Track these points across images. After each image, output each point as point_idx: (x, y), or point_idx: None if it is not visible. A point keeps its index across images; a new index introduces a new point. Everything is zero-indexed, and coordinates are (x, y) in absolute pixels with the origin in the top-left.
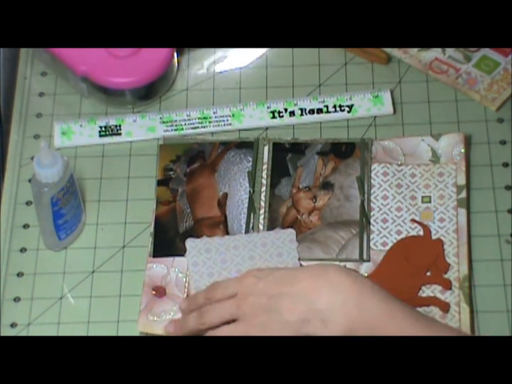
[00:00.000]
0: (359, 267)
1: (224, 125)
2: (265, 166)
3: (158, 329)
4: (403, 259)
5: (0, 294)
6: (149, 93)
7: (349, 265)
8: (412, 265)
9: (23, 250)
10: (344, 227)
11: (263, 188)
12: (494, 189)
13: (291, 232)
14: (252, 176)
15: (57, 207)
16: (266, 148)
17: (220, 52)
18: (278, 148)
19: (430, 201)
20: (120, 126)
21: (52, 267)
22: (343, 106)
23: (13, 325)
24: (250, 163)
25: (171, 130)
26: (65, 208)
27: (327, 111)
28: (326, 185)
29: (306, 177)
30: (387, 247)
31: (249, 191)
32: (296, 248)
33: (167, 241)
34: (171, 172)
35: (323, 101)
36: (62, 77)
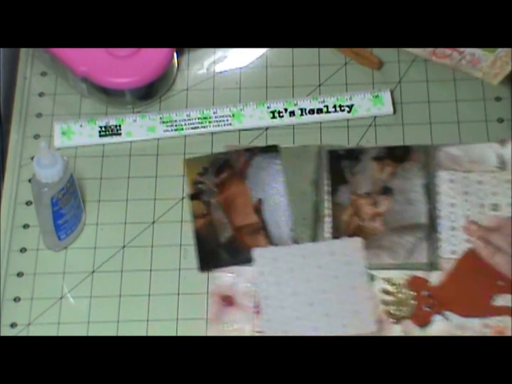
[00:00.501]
0: (428, 275)
1: (224, 125)
2: (325, 174)
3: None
4: (474, 268)
5: (0, 294)
6: (149, 93)
7: (418, 273)
8: (483, 274)
9: (23, 250)
10: (409, 232)
11: (325, 196)
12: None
13: (357, 240)
14: (316, 184)
15: (57, 207)
16: (320, 156)
17: (220, 52)
18: (333, 156)
19: (498, 209)
20: (120, 126)
21: (52, 267)
22: (343, 106)
23: (13, 325)
24: (280, 167)
25: (171, 130)
26: (65, 208)
27: (327, 111)
28: (386, 190)
29: (364, 183)
30: (456, 256)
31: (313, 200)
32: (363, 255)
33: (210, 253)
34: (201, 185)
35: (323, 101)
36: (62, 77)
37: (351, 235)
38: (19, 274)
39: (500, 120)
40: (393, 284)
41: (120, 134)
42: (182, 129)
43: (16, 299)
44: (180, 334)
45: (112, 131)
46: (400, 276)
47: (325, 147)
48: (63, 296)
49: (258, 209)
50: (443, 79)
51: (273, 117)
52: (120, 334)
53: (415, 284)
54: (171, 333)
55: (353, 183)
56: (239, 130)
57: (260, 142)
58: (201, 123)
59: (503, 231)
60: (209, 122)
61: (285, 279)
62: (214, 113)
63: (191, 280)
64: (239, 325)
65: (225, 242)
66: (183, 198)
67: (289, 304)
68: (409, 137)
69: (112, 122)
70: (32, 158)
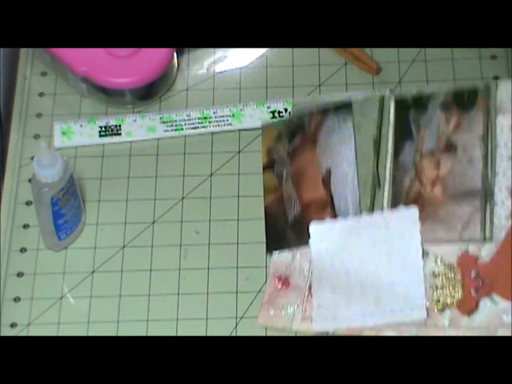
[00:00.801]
0: (480, 249)
1: (224, 125)
2: (391, 128)
3: (279, 324)
4: None
5: (0, 294)
6: (149, 93)
7: (471, 247)
8: None
9: (23, 250)
10: (467, 200)
11: (388, 155)
12: None
13: (414, 212)
14: (377, 144)
15: (57, 207)
16: (392, 106)
17: (220, 52)
18: (401, 106)
19: None
20: (120, 126)
21: (52, 267)
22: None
23: (13, 325)
24: (351, 130)
25: (171, 130)
26: (65, 208)
27: None
28: (450, 147)
29: (429, 138)
30: (511, 221)
31: (373, 163)
32: (419, 229)
33: (278, 234)
34: (275, 155)
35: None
36: (62, 77)
37: (409, 203)
38: (19, 274)
39: None
40: (443, 265)
41: (120, 134)
42: (182, 129)
43: (16, 299)
44: (180, 334)
45: (112, 131)
46: (452, 252)
47: (391, 95)
48: (63, 296)
49: (326, 181)
50: (443, 79)
51: (273, 117)
52: (120, 334)
53: (464, 262)
54: (171, 333)
55: (418, 138)
56: (239, 130)
57: (260, 144)
58: (201, 123)
59: None
60: (209, 122)
61: (339, 258)
62: (214, 113)
63: (191, 280)
64: (291, 308)
65: (293, 221)
66: (183, 198)
67: (341, 286)
68: None
69: (112, 122)
70: (32, 158)
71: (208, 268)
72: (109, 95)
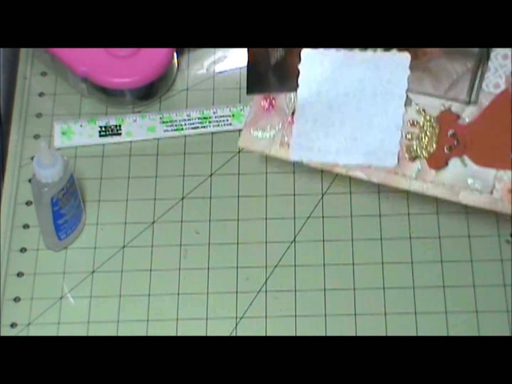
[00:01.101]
0: (464, 109)
1: (224, 125)
2: None
3: (258, 146)
4: (508, 109)
5: (0, 294)
6: (149, 93)
7: (454, 106)
8: None
9: (23, 250)
10: (461, 59)
11: None
12: None
13: (406, 57)
14: None
15: (57, 207)
16: None
17: (220, 52)
18: None
19: None
20: (120, 126)
21: (52, 267)
22: None
23: (13, 325)
24: None
25: (171, 130)
26: (65, 208)
27: None
28: None
29: None
30: (499, 90)
31: None
32: (408, 77)
33: (259, 77)
34: None
35: None
36: (62, 77)
37: (403, 50)
38: (19, 274)
39: None
40: (424, 116)
41: (120, 134)
42: (182, 129)
43: (16, 299)
44: (180, 334)
45: (112, 131)
46: (435, 106)
47: None
48: (63, 296)
49: None
50: None
51: None
52: (120, 334)
53: (445, 119)
54: (171, 333)
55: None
56: (239, 130)
57: None
58: (201, 123)
59: None
60: (209, 122)
61: (326, 88)
62: (214, 113)
63: (191, 280)
64: (272, 132)
65: (275, 64)
66: (183, 198)
67: (322, 118)
68: None
69: (112, 122)
70: (32, 158)
71: (208, 268)
72: (109, 95)
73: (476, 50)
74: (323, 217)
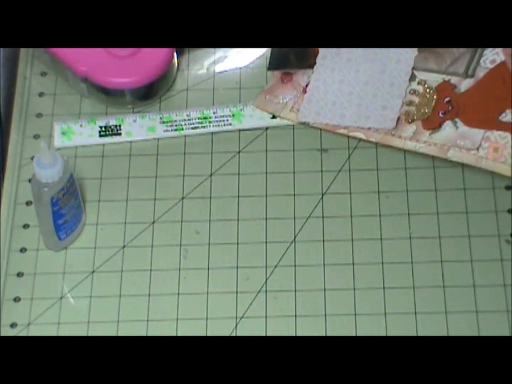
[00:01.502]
0: (461, 82)
1: (224, 125)
2: None
3: (270, 109)
4: (500, 80)
5: (0, 294)
6: (149, 93)
7: (453, 79)
8: (506, 87)
9: (23, 250)
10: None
11: None
12: (494, 189)
13: (412, 52)
14: None
15: (57, 207)
16: None
17: (220, 52)
18: None
19: None
20: (120, 126)
21: (52, 267)
22: None
23: (13, 325)
24: None
25: (171, 130)
26: (65, 208)
27: None
28: None
29: None
30: (494, 65)
31: None
32: (415, 57)
33: (281, 54)
34: None
35: None
36: (62, 77)
37: None
38: (19, 274)
39: None
40: (424, 86)
41: (120, 134)
42: (182, 129)
43: (16, 299)
44: (180, 334)
45: (112, 131)
46: (435, 79)
47: None
48: (63, 296)
49: None
50: None
51: (273, 117)
52: (120, 334)
53: (443, 89)
54: (171, 333)
55: None
56: (239, 130)
57: (260, 143)
58: (201, 123)
59: None
60: (209, 122)
61: (340, 67)
62: (214, 113)
63: (191, 280)
64: (285, 99)
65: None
66: (183, 198)
67: (333, 89)
68: None
69: (112, 122)
70: (32, 158)
71: (208, 268)
72: (109, 95)
73: None
74: (323, 217)
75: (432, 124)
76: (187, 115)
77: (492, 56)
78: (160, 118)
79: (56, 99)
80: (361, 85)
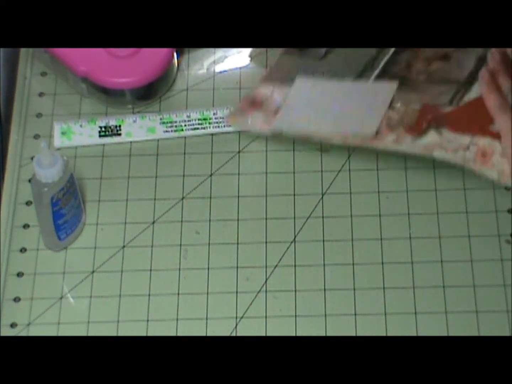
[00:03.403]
0: (443, 108)
1: (224, 126)
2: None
3: (242, 126)
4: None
5: (0, 294)
6: (149, 93)
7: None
8: (501, 95)
9: (23, 250)
10: (445, 84)
11: (389, 52)
12: (494, 189)
13: (394, 84)
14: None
15: (57, 207)
16: None
17: (220, 52)
18: None
19: None
20: (120, 126)
21: (52, 267)
22: None
23: (13, 325)
24: None
25: (171, 131)
26: (65, 208)
27: None
28: (444, 57)
29: (428, 50)
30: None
31: (372, 55)
32: (394, 90)
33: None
34: None
35: None
36: (62, 77)
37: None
38: (19, 274)
39: None
40: (406, 107)
41: (120, 134)
42: (182, 130)
43: (16, 299)
44: (180, 334)
45: (112, 131)
46: (418, 104)
47: None
48: (63, 296)
49: None
50: None
51: None
52: (120, 334)
53: (426, 109)
54: (171, 333)
55: (420, 51)
56: (239, 132)
57: (260, 144)
58: (201, 124)
59: None
60: (209, 123)
61: (315, 97)
62: (214, 114)
63: (191, 280)
64: (256, 120)
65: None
66: (183, 198)
67: (312, 102)
68: None
69: (112, 122)
70: (32, 158)
71: (208, 268)
72: (109, 95)
73: (460, 77)
74: (323, 217)
75: (416, 131)
76: (187, 116)
77: (475, 95)
78: (160, 119)
79: (56, 99)
80: (337, 106)
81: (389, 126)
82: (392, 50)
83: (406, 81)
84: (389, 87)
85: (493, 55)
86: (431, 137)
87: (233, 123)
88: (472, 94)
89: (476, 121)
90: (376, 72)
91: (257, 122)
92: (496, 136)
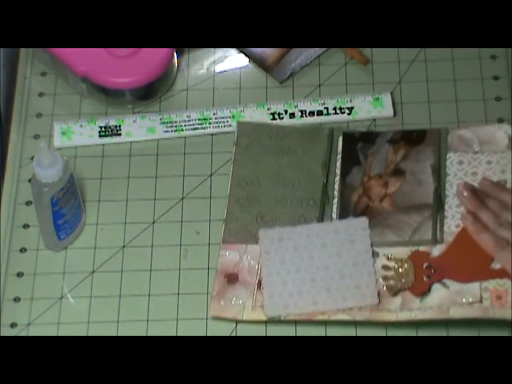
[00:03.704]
0: (431, 249)
1: (224, 126)
2: (338, 156)
3: (229, 313)
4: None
5: (0, 294)
6: (149, 93)
7: (422, 247)
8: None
9: (23, 250)
10: (416, 211)
11: (336, 178)
12: None
13: (363, 221)
14: (326, 166)
15: (57, 207)
16: (340, 139)
17: (220, 52)
18: (349, 138)
19: (505, 184)
20: (120, 126)
21: (52, 267)
22: (343, 108)
23: (13, 325)
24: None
25: (171, 131)
26: (65, 208)
27: (327, 113)
28: (398, 172)
29: (377, 164)
30: (460, 228)
31: (323, 181)
32: (369, 234)
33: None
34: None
35: (323, 103)
36: (62, 77)
37: (358, 215)
38: (19, 274)
39: (500, 120)
40: (395, 260)
41: (120, 134)
42: (182, 130)
43: (16, 299)
44: (180, 334)
45: (112, 131)
46: (403, 252)
47: (340, 128)
48: (63, 296)
49: None
50: (443, 79)
51: (273, 118)
52: (120, 334)
53: (416, 257)
54: (171, 333)
55: (366, 164)
56: (239, 132)
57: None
58: (201, 124)
59: (493, 204)
60: (209, 123)
61: (289, 257)
62: (214, 114)
63: (191, 280)
64: (240, 300)
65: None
66: (183, 198)
67: (291, 280)
68: None
69: (112, 122)
70: (32, 158)
71: (208, 268)
72: (109, 95)
73: (430, 200)
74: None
75: (420, 288)
76: (187, 116)
77: (455, 222)
78: (160, 119)
79: (56, 99)
80: (322, 270)
81: (389, 289)
82: (338, 176)
83: (372, 212)
84: (360, 226)
85: (464, 199)
86: (438, 292)
87: (218, 314)
88: (451, 220)
89: (475, 263)
90: (336, 205)
91: (246, 308)
92: (503, 273)
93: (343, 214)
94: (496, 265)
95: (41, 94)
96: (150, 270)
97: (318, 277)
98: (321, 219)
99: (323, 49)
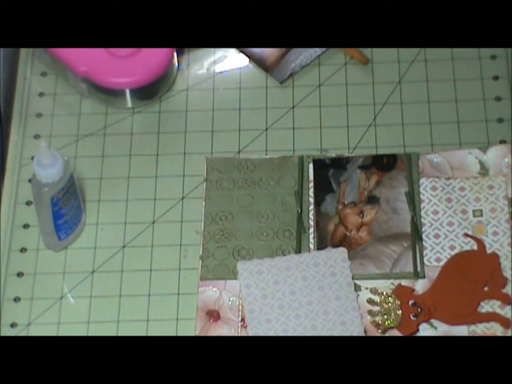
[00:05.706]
0: (414, 284)
1: None
2: (311, 184)
3: None
4: (459, 275)
5: (0, 294)
6: (149, 93)
7: (403, 281)
8: (468, 280)
9: (23, 250)
10: (395, 241)
11: (311, 207)
12: None
13: (342, 251)
14: (299, 195)
15: (57, 207)
16: (310, 166)
17: (220, 52)
18: (319, 165)
19: (481, 215)
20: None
21: (52, 267)
22: None
23: (13, 325)
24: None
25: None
26: (65, 208)
27: None
28: (372, 199)
29: (350, 192)
30: (442, 263)
31: (297, 211)
32: (349, 266)
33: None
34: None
35: None
36: (62, 77)
37: (336, 245)
38: (19, 274)
39: (500, 120)
40: (378, 294)
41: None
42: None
43: (16, 299)
44: (180, 334)
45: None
46: (385, 285)
47: (309, 156)
48: (63, 296)
49: None
50: (443, 79)
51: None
52: (120, 334)
53: (401, 293)
54: (171, 333)
55: (339, 192)
56: (239, 130)
57: (260, 143)
58: None
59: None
60: None
61: (271, 292)
62: None
63: (191, 280)
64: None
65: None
66: (183, 198)
67: (275, 317)
68: (408, 137)
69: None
70: (32, 158)
71: None
72: (109, 95)
73: (408, 230)
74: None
75: (409, 328)
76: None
77: (435, 255)
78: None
79: (56, 99)
80: (305, 305)
81: (376, 326)
82: (312, 204)
83: (350, 242)
84: (339, 257)
85: None
86: (427, 333)
87: None
88: (431, 252)
89: (462, 307)
90: (312, 235)
91: None
92: (490, 317)
93: (321, 244)
94: (482, 309)
95: (41, 94)
96: (150, 270)
97: (302, 314)
98: (299, 250)
99: (323, 49)
